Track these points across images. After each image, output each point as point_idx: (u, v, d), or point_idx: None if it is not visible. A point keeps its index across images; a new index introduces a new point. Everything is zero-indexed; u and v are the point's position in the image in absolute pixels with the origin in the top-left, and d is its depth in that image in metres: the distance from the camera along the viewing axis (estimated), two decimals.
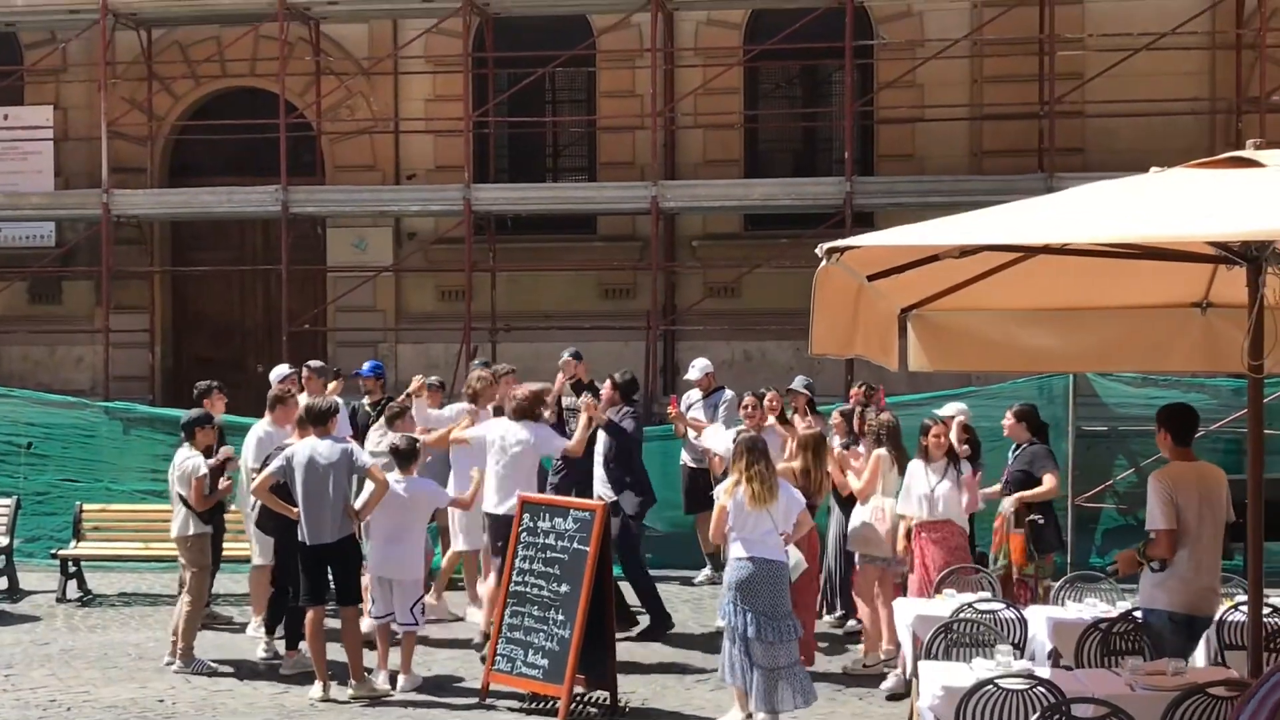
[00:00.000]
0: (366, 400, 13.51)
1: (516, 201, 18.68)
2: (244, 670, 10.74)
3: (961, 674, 6.85)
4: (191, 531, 10.99)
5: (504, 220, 19.38)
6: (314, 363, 13.68)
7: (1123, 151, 16.91)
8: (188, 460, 11.00)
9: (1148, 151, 16.12)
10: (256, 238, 20.15)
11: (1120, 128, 17.54)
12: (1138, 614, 8.10)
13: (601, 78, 19.41)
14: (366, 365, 14.06)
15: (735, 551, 8.99)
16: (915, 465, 10.12)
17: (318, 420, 10.13)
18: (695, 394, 13.74)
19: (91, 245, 19.23)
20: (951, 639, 7.77)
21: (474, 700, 9.82)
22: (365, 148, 19.65)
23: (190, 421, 11.25)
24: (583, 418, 11.41)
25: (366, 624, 10.40)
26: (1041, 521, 10.54)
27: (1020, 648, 8.07)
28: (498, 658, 9.90)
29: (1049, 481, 10.50)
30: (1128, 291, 7.69)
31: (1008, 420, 11.05)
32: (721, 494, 9.07)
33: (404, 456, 10.22)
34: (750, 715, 8.92)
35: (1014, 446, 11.03)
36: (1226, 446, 14.11)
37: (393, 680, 10.13)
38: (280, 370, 13.63)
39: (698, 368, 13.72)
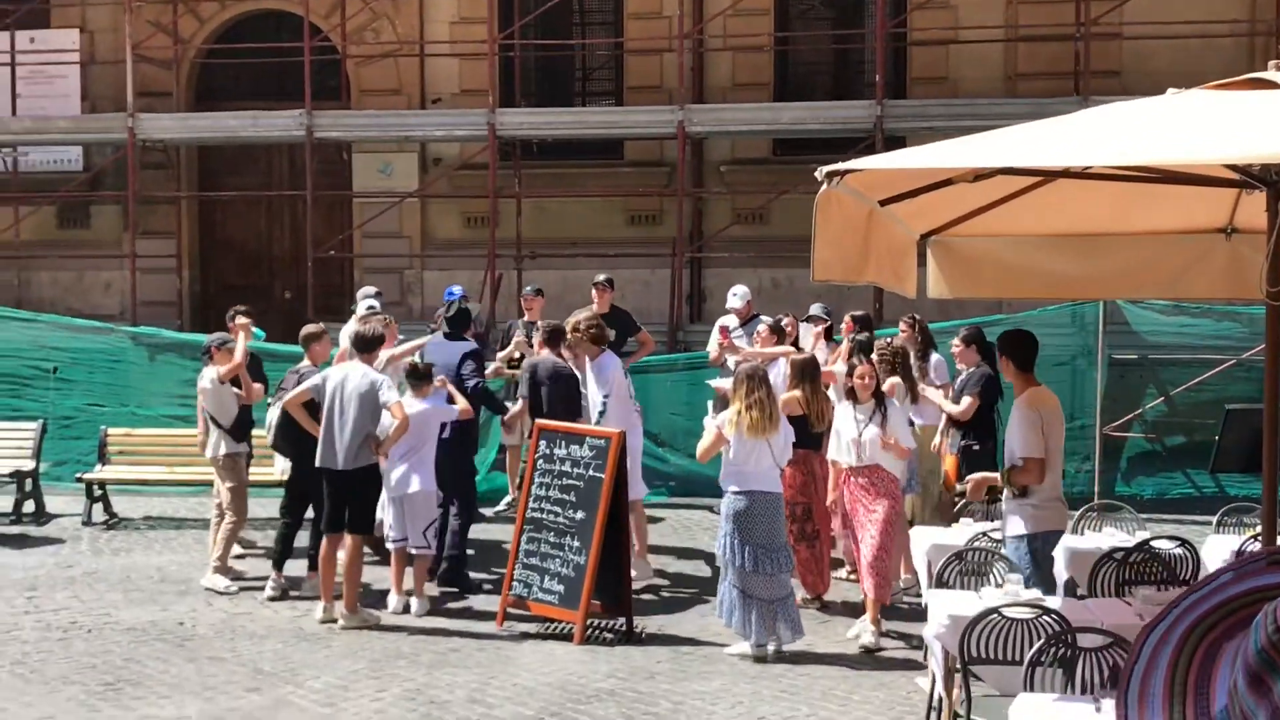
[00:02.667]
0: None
1: (542, 126, 18.48)
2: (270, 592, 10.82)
3: (969, 602, 6.77)
4: (224, 451, 11.26)
5: (530, 145, 19.21)
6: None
7: (1160, 74, 16.48)
8: (205, 376, 11.28)
9: (1185, 74, 15.70)
10: (283, 163, 20.07)
11: (1158, 50, 17.18)
12: (1155, 543, 8.03)
13: None
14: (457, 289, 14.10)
15: (732, 485, 9.01)
16: (843, 409, 9.63)
17: (362, 348, 10.15)
18: (733, 320, 13.47)
19: (119, 170, 19.18)
20: (963, 567, 7.70)
21: (491, 625, 9.85)
22: (390, 71, 19.48)
23: (211, 342, 11.56)
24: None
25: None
26: (976, 448, 10.62)
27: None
28: (514, 583, 9.92)
29: (963, 403, 10.68)
30: (1152, 217, 7.53)
31: (956, 346, 10.99)
32: (725, 424, 9.01)
33: (418, 378, 10.28)
34: (760, 647, 8.98)
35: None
36: (1260, 375, 13.95)
37: (407, 607, 10.17)
38: (368, 298, 12.77)
39: (739, 295, 13.39)
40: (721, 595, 9.16)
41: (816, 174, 5.31)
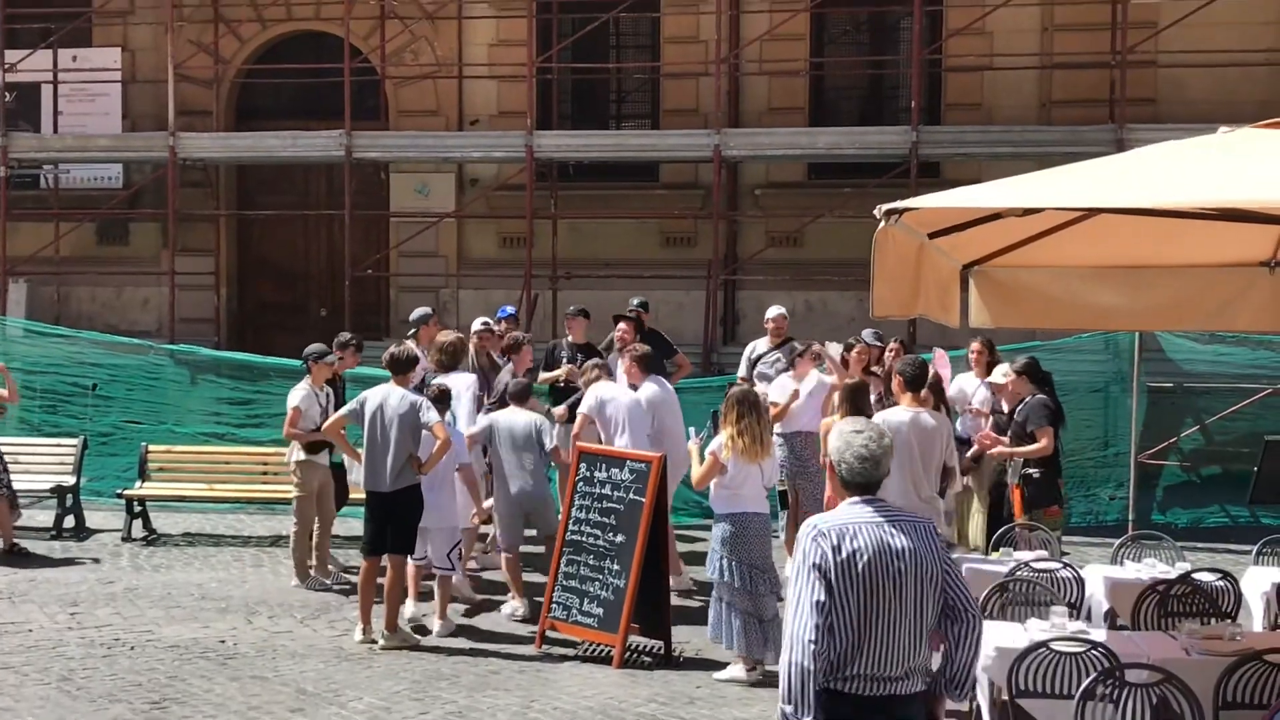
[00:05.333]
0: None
1: (579, 148, 18.59)
2: (309, 611, 10.92)
3: (1015, 634, 6.81)
4: (296, 458, 11.61)
5: (566, 167, 19.33)
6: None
7: (1196, 103, 16.60)
8: (294, 392, 11.60)
9: (1221, 103, 15.83)
10: (320, 182, 20.21)
11: (1193, 78, 17.19)
12: (1198, 575, 8.06)
13: (665, 23, 19.23)
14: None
15: (725, 506, 9.17)
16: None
17: (397, 369, 10.22)
18: (764, 344, 13.51)
19: (158, 187, 19.34)
20: (1007, 598, 7.73)
21: (530, 647, 9.91)
22: (429, 93, 19.62)
23: (308, 354, 11.79)
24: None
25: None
26: (1036, 476, 10.47)
27: (1076, 607, 8.03)
28: (554, 605, 9.98)
29: (1041, 440, 10.42)
30: (1194, 249, 7.56)
31: (1009, 376, 10.95)
32: (720, 448, 9.11)
33: (440, 402, 10.38)
34: (754, 668, 9.16)
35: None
36: None
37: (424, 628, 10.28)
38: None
39: (775, 312, 13.51)
40: (717, 617, 9.25)
41: (875, 212, 5.37)
